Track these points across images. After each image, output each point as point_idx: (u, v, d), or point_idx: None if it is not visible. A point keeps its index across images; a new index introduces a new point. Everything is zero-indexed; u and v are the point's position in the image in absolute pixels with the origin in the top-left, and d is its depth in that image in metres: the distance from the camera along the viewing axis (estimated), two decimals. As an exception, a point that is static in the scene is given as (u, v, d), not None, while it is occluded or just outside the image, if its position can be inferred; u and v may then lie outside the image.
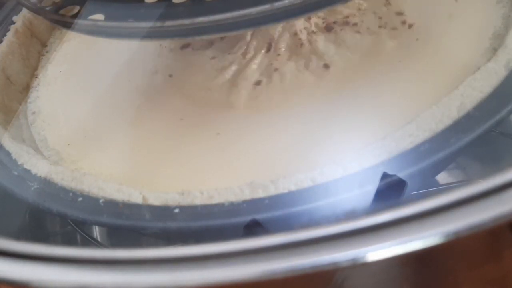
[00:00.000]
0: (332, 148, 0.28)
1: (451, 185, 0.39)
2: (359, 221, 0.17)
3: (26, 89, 0.39)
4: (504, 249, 0.20)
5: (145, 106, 0.35)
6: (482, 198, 0.17)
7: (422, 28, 0.33)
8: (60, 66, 0.40)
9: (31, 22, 0.42)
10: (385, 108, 0.29)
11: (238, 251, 0.17)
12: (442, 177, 0.42)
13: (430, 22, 0.34)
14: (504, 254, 0.20)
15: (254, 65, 0.34)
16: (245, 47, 0.35)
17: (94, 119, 0.35)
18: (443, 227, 0.16)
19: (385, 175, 0.23)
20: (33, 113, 0.37)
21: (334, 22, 0.35)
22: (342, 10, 0.35)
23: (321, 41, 0.34)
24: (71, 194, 0.27)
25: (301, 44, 0.34)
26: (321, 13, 0.35)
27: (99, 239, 0.43)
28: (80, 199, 0.27)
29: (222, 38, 0.36)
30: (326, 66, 0.33)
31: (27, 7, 0.30)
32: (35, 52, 0.42)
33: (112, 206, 0.26)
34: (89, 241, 0.38)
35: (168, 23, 0.25)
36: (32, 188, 0.28)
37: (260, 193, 0.24)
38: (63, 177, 0.28)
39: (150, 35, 0.26)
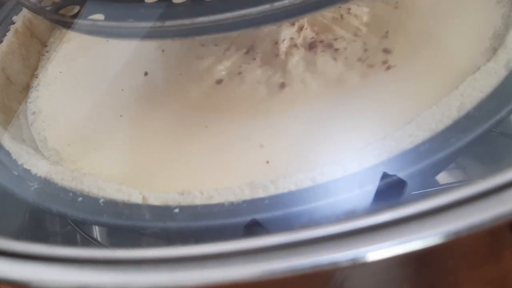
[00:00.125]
0: (332, 148, 0.28)
1: (451, 185, 0.39)
2: (359, 221, 0.17)
3: (26, 89, 0.39)
4: (504, 249, 0.20)
5: (145, 106, 0.35)
6: (482, 198, 0.17)
7: (400, 71, 0.32)
8: (60, 66, 0.40)
9: (31, 22, 0.42)
10: (385, 108, 0.29)
11: (238, 251, 0.17)
12: (442, 177, 0.42)
13: (430, 22, 0.34)
14: (504, 254, 0.20)
15: (226, 63, 0.34)
16: (230, 42, 0.35)
17: (94, 119, 0.35)
18: (443, 227, 0.16)
19: (385, 175, 0.23)
20: (33, 113, 0.37)
21: (321, 41, 0.34)
22: (338, 29, 0.34)
23: (296, 58, 0.33)
24: (71, 194, 0.27)
25: (277, 55, 0.34)
26: (315, 27, 0.35)
27: (99, 239, 0.43)
28: (80, 199, 0.27)
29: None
30: (283, 85, 0.32)
31: (27, 7, 0.30)
32: (35, 52, 0.42)
33: (112, 206, 0.26)
34: (89, 241, 0.38)
35: (168, 23, 0.25)
36: (32, 188, 0.28)
37: (260, 193, 0.24)
38: (63, 177, 0.28)
39: (150, 35, 0.26)
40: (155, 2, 0.26)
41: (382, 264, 0.17)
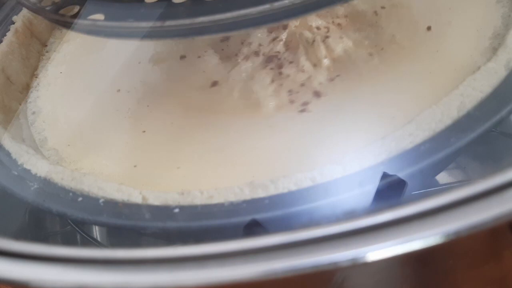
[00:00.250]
0: (332, 148, 0.28)
1: (451, 185, 0.39)
2: (359, 221, 0.17)
3: (26, 89, 0.39)
4: (504, 249, 0.20)
5: (145, 106, 0.35)
6: (482, 198, 0.17)
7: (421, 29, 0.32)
8: (60, 66, 0.40)
9: (31, 22, 0.42)
10: (385, 108, 0.29)
11: (238, 251, 0.17)
12: (442, 177, 0.42)
13: (430, 22, 0.34)
14: (504, 254, 0.20)
15: (226, 64, 0.34)
16: (232, 43, 0.35)
17: (94, 119, 0.35)
18: (443, 227, 0.16)
19: (385, 175, 0.23)
20: (33, 113, 0.37)
21: (326, 37, 0.34)
22: (332, 27, 0.35)
23: (296, 58, 0.33)
24: (71, 194, 0.27)
25: (277, 56, 0.34)
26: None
27: (99, 239, 0.43)
28: (80, 199, 0.27)
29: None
30: (283, 85, 0.32)
31: (27, 7, 0.30)
32: (35, 52, 0.42)
33: (112, 206, 0.26)
34: (89, 241, 0.38)
35: (168, 23, 0.25)
36: (32, 188, 0.28)
37: (260, 193, 0.24)
38: (63, 177, 0.28)
39: (150, 35, 0.26)
40: (155, 2, 0.26)
41: (382, 264, 0.17)
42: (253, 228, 0.23)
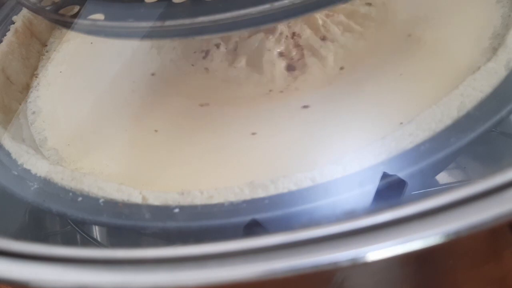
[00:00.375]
0: (332, 148, 0.28)
1: (451, 185, 0.39)
2: (359, 221, 0.17)
3: (26, 89, 0.39)
4: (504, 249, 0.20)
5: (145, 106, 0.35)
6: (482, 198, 0.17)
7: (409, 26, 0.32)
8: (60, 66, 0.40)
9: (31, 22, 0.42)
10: (385, 108, 0.29)
11: (238, 251, 0.17)
12: (442, 177, 0.42)
13: (430, 22, 0.34)
14: (504, 254, 0.20)
15: (227, 65, 0.35)
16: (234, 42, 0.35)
17: (94, 119, 0.35)
18: (443, 227, 0.16)
19: (385, 175, 0.23)
20: (33, 113, 0.37)
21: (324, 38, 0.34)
22: (332, 27, 0.35)
23: (297, 58, 0.34)
24: (71, 194, 0.27)
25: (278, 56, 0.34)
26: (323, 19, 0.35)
27: (99, 239, 0.43)
28: (80, 199, 0.27)
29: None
30: (283, 86, 0.32)
31: (27, 7, 0.30)
32: (35, 52, 0.42)
33: (112, 206, 0.26)
34: (89, 241, 0.38)
35: (168, 23, 0.25)
36: (32, 188, 0.28)
37: (260, 193, 0.24)
38: (63, 177, 0.28)
39: (150, 35, 0.26)
40: (155, 2, 0.26)
41: (382, 264, 0.17)
42: (253, 228, 0.23)
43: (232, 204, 0.24)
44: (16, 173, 0.30)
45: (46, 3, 0.29)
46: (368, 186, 0.23)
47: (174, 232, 0.26)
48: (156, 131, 0.32)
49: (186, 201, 0.25)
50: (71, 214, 0.27)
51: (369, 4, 0.36)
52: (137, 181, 0.28)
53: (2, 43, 0.39)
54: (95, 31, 0.27)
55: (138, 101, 0.35)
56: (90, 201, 0.27)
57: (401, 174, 0.23)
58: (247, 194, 0.25)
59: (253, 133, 0.30)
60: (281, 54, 0.34)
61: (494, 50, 0.29)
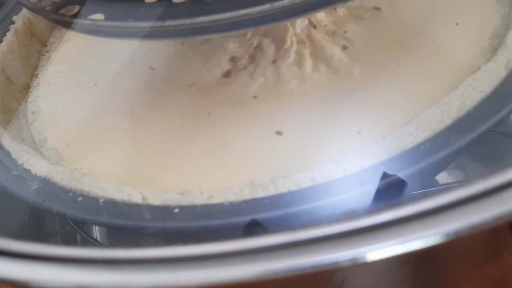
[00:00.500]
0: (332, 148, 0.28)
1: (451, 185, 0.39)
2: (359, 221, 0.17)
3: (26, 89, 0.39)
4: (504, 249, 0.20)
5: (145, 106, 0.35)
6: (482, 198, 0.17)
7: (418, 29, 0.33)
8: (60, 66, 0.40)
9: (31, 22, 0.42)
10: (385, 108, 0.29)
11: (238, 251, 0.17)
12: (442, 177, 0.42)
13: (430, 22, 0.34)
14: (504, 254, 0.20)
15: (228, 65, 0.34)
16: (232, 43, 0.35)
17: (94, 119, 0.35)
18: (443, 227, 0.16)
19: (385, 175, 0.23)
20: (33, 112, 0.37)
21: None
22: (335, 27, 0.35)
23: (298, 58, 0.34)
24: (71, 194, 0.27)
25: (279, 57, 0.34)
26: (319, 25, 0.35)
27: (99, 239, 0.43)
28: (80, 199, 0.27)
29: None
30: (283, 86, 0.32)
31: (27, 7, 0.30)
32: (35, 52, 0.42)
33: (112, 206, 0.26)
34: (89, 241, 0.38)
35: (168, 23, 0.25)
36: (32, 188, 0.28)
37: (260, 193, 0.24)
38: (63, 177, 0.28)
39: (150, 35, 0.26)
40: (155, 2, 0.26)
41: (382, 264, 0.17)
42: (253, 228, 0.23)
43: (232, 204, 0.24)
44: (16, 173, 0.30)
45: (46, 3, 0.29)
46: (368, 186, 0.23)
47: (174, 232, 0.26)
48: (156, 131, 0.32)
49: (186, 201, 0.25)
50: (71, 214, 0.27)
51: (377, 9, 0.36)
52: (137, 181, 0.28)
53: (2, 43, 0.39)
54: (95, 31, 0.27)
55: (138, 101, 0.35)
56: (90, 201, 0.27)
57: (401, 174, 0.23)
58: (247, 194, 0.25)
59: (253, 133, 0.30)
60: (281, 55, 0.34)
61: (494, 50, 0.29)
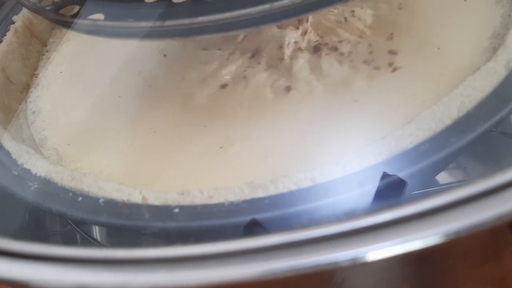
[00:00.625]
0: (332, 148, 0.28)
1: (451, 185, 0.39)
2: (359, 221, 0.17)
3: (26, 89, 0.39)
4: (504, 249, 0.20)
5: (145, 106, 0.35)
6: (482, 198, 0.17)
7: (409, 57, 0.32)
8: (60, 66, 0.40)
9: (31, 22, 0.42)
10: (385, 108, 0.29)
11: (238, 251, 0.17)
12: (442, 177, 0.42)
13: (430, 22, 0.34)
14: (504, 254, 0.20)
15: (230, 67, 0.34)
16: (233, 47, 0.35)
17: (94, 119, 0.35)
18: (443, 227, 0.16)
19: (385, 175, 0.23)
20: (33, 112, 0.37)
21: (325, 44, 0.34)
22: (343, 32, 0.34)
23: (301, 61, 0.33)
24: (70, 194, 0.27)
25: (282, 59, 0.33)
26: (319, 30, 0.35)
27: (99, 239, 0.43)
28: (80, 198, 0.27)
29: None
30: (288, 88, 0.32)
31: (27, 7, 0.30)
32: (35, 52, 0.42)
33: (112, 205, 0.26)
34: (88, 241, 0.38)
35: (168, 23, 0.25)
36: (32, 188, 0.28)
37: (260, 193, 0.24)
38: (62, 176, 0.28)
39: (150, 35, 0.26)
40: (155, 2, 0.26)
41: (382, 264, 0.17)
42: (253, 228, 0.23)
43: (232, 204, 0.24)
44: (16, 173, 0.30)
45: (46, 3, 0.29)
46: (368, 186, 0.23)
47: (174, 232, 0.26)
48: (156, 131, 0.32)
49: (186, 201, 0.25)
50: (71, 214, 0.27)
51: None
52: (137, 181, 0.28)
53: (2, 43, 0.39)
54: (95, 31, 0.27)
55: (138, 101, 0.35)
56: (90, 201, 0.27)
57: (401, 174, 0.23)
58: (247, 194, 0.25)
59: (253, 134, 0.30)
60: (260, 62, 0.34)
61: (494, 50, 0.29)
